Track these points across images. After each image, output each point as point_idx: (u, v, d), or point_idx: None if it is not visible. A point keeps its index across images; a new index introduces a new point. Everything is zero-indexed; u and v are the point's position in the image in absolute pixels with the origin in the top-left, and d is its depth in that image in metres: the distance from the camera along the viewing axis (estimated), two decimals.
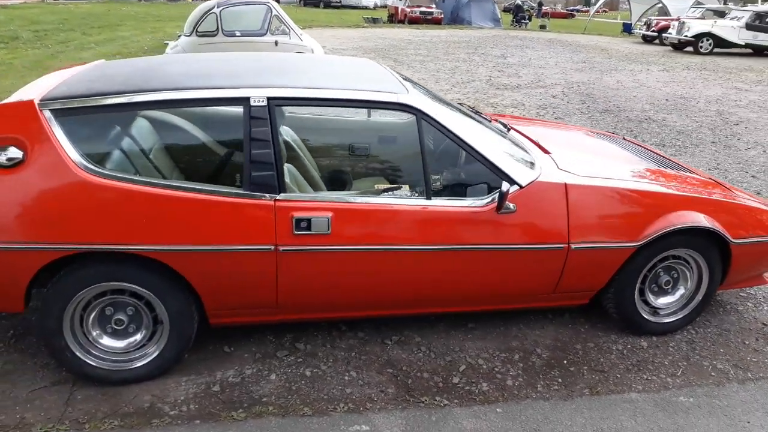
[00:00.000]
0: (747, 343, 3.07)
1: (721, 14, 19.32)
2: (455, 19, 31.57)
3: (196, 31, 9.84)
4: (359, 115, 3.47)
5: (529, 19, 33.90)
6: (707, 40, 17.73)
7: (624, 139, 4.14)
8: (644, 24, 22.51)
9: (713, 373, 2.81)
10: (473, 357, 2.87)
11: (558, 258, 2.75)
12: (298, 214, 2.47)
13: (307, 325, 3.02)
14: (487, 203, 2.65)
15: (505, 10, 38.60)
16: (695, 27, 17.93)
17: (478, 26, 30.29)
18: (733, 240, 2.92)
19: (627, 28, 29.71)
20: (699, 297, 3.06)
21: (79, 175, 2.32)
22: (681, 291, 3.07)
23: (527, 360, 2.87)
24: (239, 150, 2.55)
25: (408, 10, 31.53)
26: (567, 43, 20.60)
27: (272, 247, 2.46)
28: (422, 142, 2.63)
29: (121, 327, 2.54)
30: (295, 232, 2.47)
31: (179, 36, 10.37)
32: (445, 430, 2.39)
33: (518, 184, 2.66)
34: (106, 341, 2.56)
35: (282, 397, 2.55)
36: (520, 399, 2.59)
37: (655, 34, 20.92)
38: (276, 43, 9.90)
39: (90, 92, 2.45)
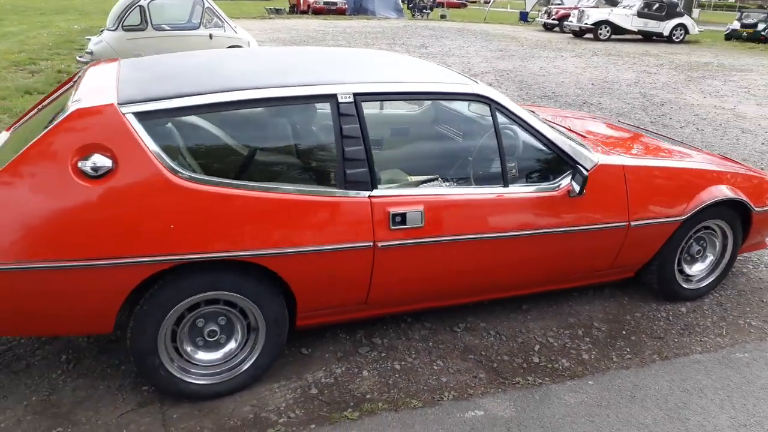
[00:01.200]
0: (765, 300, 3.42)
1: (613, 3, 20.69)
2: (358, 9, 31.68)
3: (122, 25, 9.28)
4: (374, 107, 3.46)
5: (431, 9, 34.67)
6: (605, 27, 19.00)
7: (619, 122, 4.42)
8: (545, 13, 23.67)
9: (752, 330, 3.11)
10: (541, 336, 3.00)
11: (619, 236, 2.93)
12: (393, 209, 2.46)
13: (373, 320, 3.01)
14: (557, 188, 2.77)
15: None
16: (594, 15, 19.14)
17: (382, 16, 30.57)
18: (755, 209, 3.23)
19: (523, 17, 31.16)
20: (724, 262, 3.36)
21: (174, 181, 2.18)
22: (710, 258, 3.37)
23: (590, 334, 3.03)
24: (327, 147, 2.50)
25: (311, 0, 31.24)
26: (476, 32, 21.27)
27: (371, 244, 2.44)
28: (497, 131, 2.70)
29: (213, 339, 2.43)
30: (392, 227, 2.46)
31: (102, 30, 9.72)
32: (553, 406, 2.49)
33: (585, 168, 2.79)
34: (202, 355, 2.44)
35: (384, 392, 2.55)
36: (603, 371, 2.74)
37: (556, 22, 22.11)
38: (210, 36, 9.57)
39: (170, 93, 2.30)
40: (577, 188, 2.68)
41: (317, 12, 30.35)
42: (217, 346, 2.46)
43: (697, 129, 7.48)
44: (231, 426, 2.34)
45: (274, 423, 2.36)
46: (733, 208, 3.23)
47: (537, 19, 25.43)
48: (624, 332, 3.06)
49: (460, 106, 2.98)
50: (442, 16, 32.87)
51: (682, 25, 19.39)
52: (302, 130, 2.67)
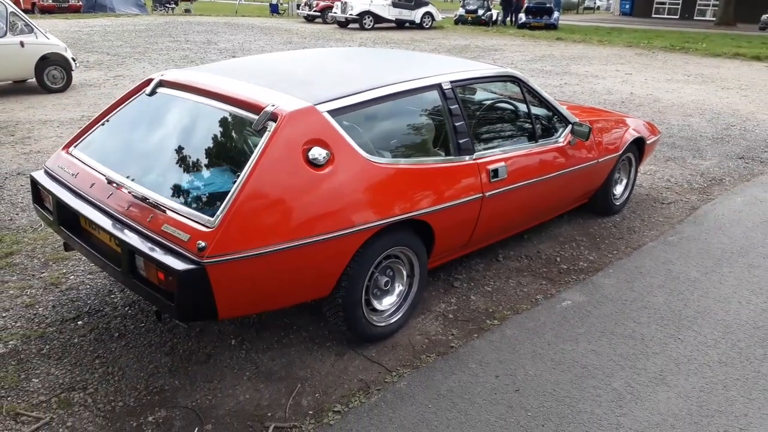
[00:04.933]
0: (655, 205, 4.97)
1: None
2: (94, 6, 29.30)
3: None
4: None
5: (176, 3, 33.47)
6: (368, 17, 20.87)
7: None
8: (305, 5, 24.82)
9: (663, 223, 4.59)
10: (554, 252, 4.06)
11: (593, 170, 4.12)
12: (491, 166, 3.27)
13: (443, 264, 3.75)
14: (560, 140, 3.83)
15: None
16: (357, 7, 20.89)
17: (123, 13, 28.77)
18: (647, 141, 4.71)
19: (274, 9, 32.02)
20: (632, 181, 4.81)
21: (373, 163, 2.71)
22: (625, 181, 4.78)
23: (581, 244, 4.19)
24: (441, 124, 3.17)
25: None
26: (247, 26, 21.54)
27: (481, 195, 3.22)
28: (527, 101, 3.65)
29: (386, 288, 2.99)
30: (492, 180, 3.27)
31: None
32: (604, 287, 3.56)
33: (582, 123, 3.88)
34: (386, 301, 2.99)
35: (499, 305, 3.36)
36: (610, 263, 3.91)
37: (318, 13, 23.42)
38: (22, 44, 8.67)
39: (342, 93, 2.78)
40: (584, 138, 3.76)
41: (46, 10, 27.34)
42: (388, 293, 3.02)
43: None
44: (421, 350, 2.95)
45: (449, 341, 3.03)
46: (635, 142, 4.65)
47: (298, 11, 26.43)
48: (598, 239, 4.29)
49: (492, 86, 3.86)
50: (187, 11, 32.08)
51: (429, 14, 22.23)
52: (424, 113, 3.27)
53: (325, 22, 23.30)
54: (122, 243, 2.45)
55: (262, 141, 2.47)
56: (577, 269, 3.83)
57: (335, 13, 21.74)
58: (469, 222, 3.26)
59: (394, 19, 21.62)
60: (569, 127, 3.87)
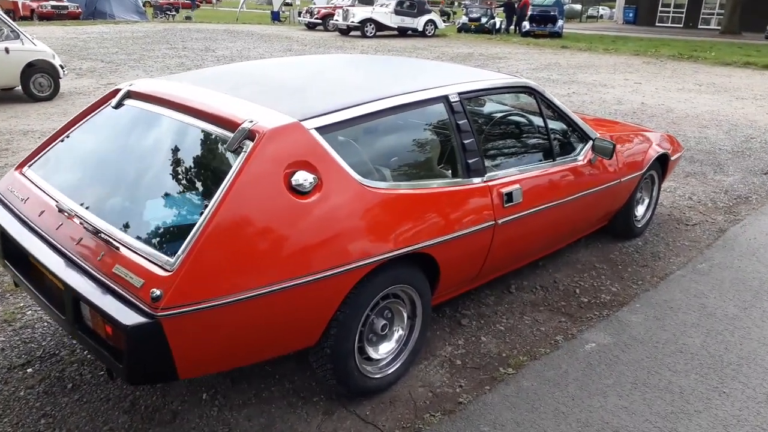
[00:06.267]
0: (678, 227, 4.55)
1: (369, 2, 22.42)
2: (94, 13, 29.12)
3: None
4: None
5: (177, 11, 33.31)
6: (370, 24, 20.54)
7: None
8: (307, 12, 24.53)
9: (690, 248, 4.17)
10: (573, 283, 3.64)
11: (615, 190, 3.70)
12: (504, 189, 2.85)
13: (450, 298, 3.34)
14: (583, 157, 3.41)
15: None
16: (359, 14, 20.57)
17: (123, 19, 28.54)
18: (671, 157, 4.29)
19: (275, 17, 31.78)
20: (654, 201, 4.39)
21: (367, 188, 2.30)
22: (647, 201, 4.35)
23: (601, 274, 3.76)
24: (448, 142, 2.76)
25: (35, 4, 27.78)
26: (246, 33, 21.22)
27: (493, 222, 2.81)
28: (543, 115, 3.24)
29: (383, 333, 2.57)
30: (505, 206, 2.86)
31: None
32: (631, 326, 3.14)
33: (594, 140, 3.48)
34: (382, 348, 2.57)
35: (513, 348, 2.94)
36: (634, 295, 3.49)
37: (319, 21, 23.11)
38: (7, 50, 8.30)
39: (333, 107, 2.37)
40: (608, 156, 3.34)
41: (45, 17, 27.16)
42: (385, 338, 2.60)
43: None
44: (424, 407, 2.53)
45: (456, 394, 2.60)
46: (658, 159, 4.24)
47: (299, 18, 26.15)
48: (620, 267, 3.86)
49: (503, 98, 3.47)
50: (187, 18, 31.89)
51: (432, 21, 21.90)
52: (429, 129, 2.87)
53: (326, 30, 22.98)
54: (65, 286, 2.04)
55: (236, 164, 2.07)
56: (600, 303, 3.41)
57: (337, 20, 21.42)
58: (479, 253, 2.84)
59: (396, 26, 21.28)
60: (590, 143, 3.46)
